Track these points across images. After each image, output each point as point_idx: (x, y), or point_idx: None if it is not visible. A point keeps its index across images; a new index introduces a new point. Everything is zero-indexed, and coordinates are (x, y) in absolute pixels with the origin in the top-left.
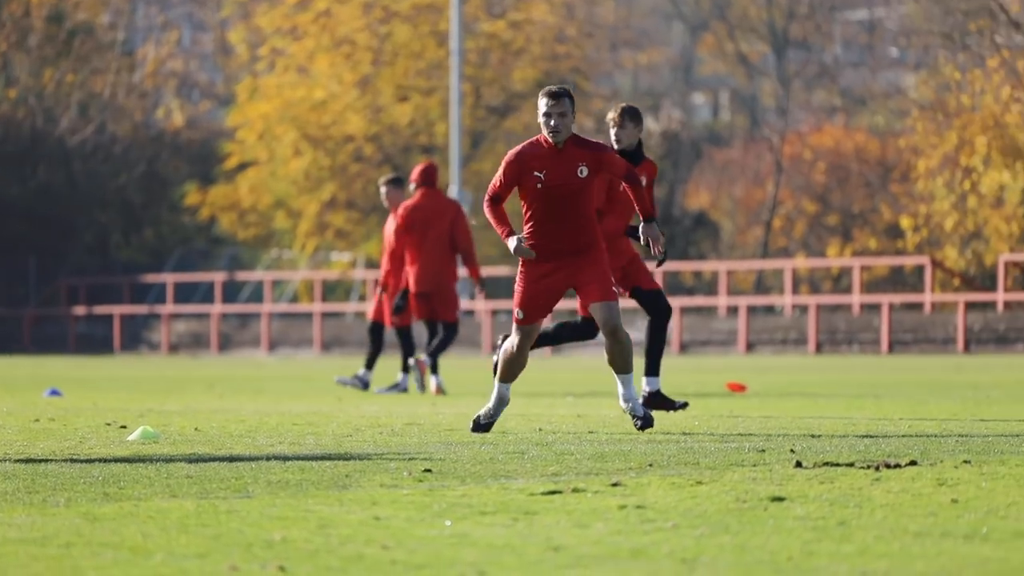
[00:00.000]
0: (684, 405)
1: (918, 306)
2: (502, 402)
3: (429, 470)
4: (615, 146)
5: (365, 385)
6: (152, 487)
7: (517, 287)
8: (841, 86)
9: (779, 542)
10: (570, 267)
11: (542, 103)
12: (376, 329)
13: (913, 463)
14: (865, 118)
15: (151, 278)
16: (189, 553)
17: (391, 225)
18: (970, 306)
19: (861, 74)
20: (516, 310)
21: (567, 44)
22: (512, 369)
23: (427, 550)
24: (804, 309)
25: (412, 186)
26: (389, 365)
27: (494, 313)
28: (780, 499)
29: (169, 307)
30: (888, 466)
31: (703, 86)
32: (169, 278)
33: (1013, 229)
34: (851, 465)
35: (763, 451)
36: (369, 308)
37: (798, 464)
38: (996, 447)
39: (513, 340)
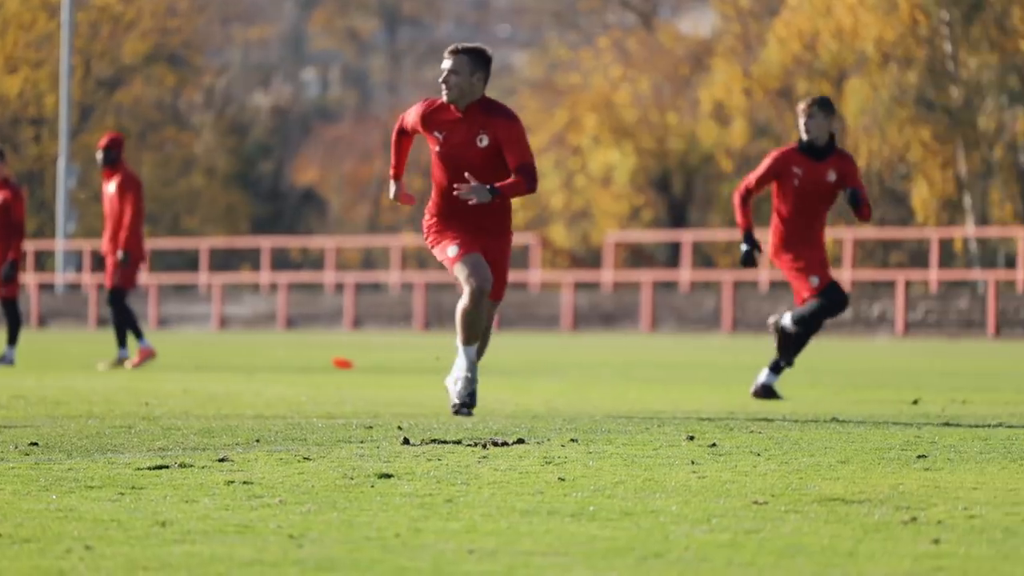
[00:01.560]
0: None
1: (524, 285)
2: (473, 365)
3: (35, 443)
4: (804, 137)
5: (10, 362)
6: None
7: (439, 236)
8: None
9: (387, 519)
10: (485, 237)
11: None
12: (10, 304)
13: (520, 441)
14: None
15: None
16: None
17: None
18: (578, 285)
19: None
20: (451, 247)
21: (178, 18)
22: (477, 330)
23: (33, 524)
24: (411, 287)
25: (102, 154)
26: None
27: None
28: (387, 476)
29: None
30: (495, 444)
31: (313, 61)
32: None
33: (621, 208)
34: (458, 443)
35: (370, 428)
36: None
37: (405, 441)
38: (603, 426)
39: (464, 298)
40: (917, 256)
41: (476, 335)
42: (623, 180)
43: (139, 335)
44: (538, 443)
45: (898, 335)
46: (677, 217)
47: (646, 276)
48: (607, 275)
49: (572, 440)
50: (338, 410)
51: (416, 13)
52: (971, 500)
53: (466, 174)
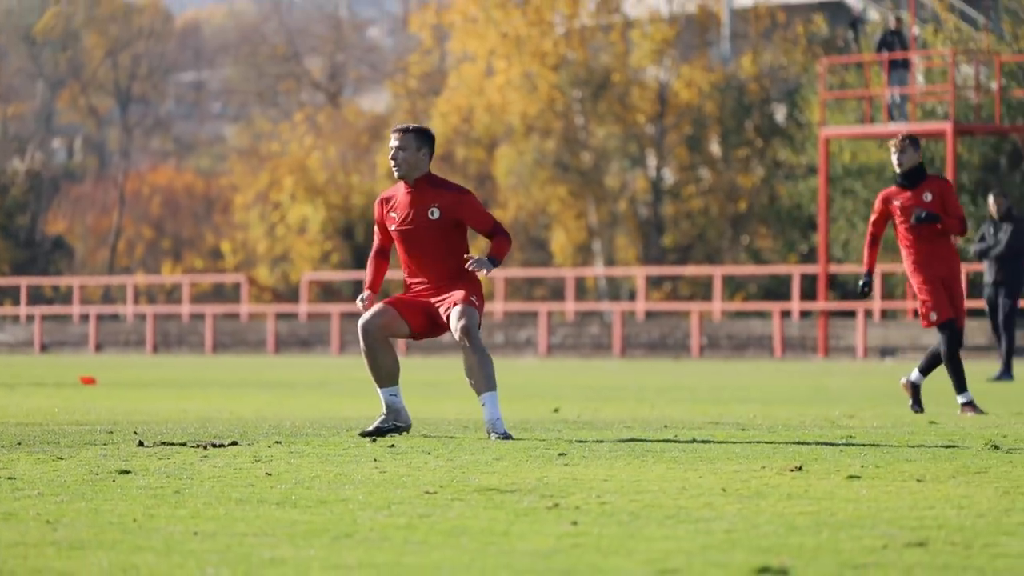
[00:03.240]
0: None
1: (236, 315)
2: (391, 409)
3: None
4: (897, 168)
5: None
6: None
7: None
8: (173, 135)
9: (126, 507)
10: (435, 293)
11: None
12: None
13: (235, 443)
14: (193, 161)
15: None
16: None
17: None
18: (279, 316)
19: (190, 125)
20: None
21: None
22: (377, 372)
23: None
24: (143, 317)
25: None
26: None
27: None
28: (126, 472)
29: None
30: (214, 445)
31: (61, 133)
32: None
33: (314, 252)
34: (184, 444)
35: (112, 432)
36: None
37: (140, 443)
38: (302, 430)
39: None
40: (556, 291)
41: (377, 378)
42: (315, 229)
43: None
44: (249, 445)
45: (541, 356)
46: (360, 259)
47: (335, 308)
48: (303, 308)
49: (277, 442)
50: (85, 418)
51: (144, 93)
52: (603, 489)
53: (408, 227)
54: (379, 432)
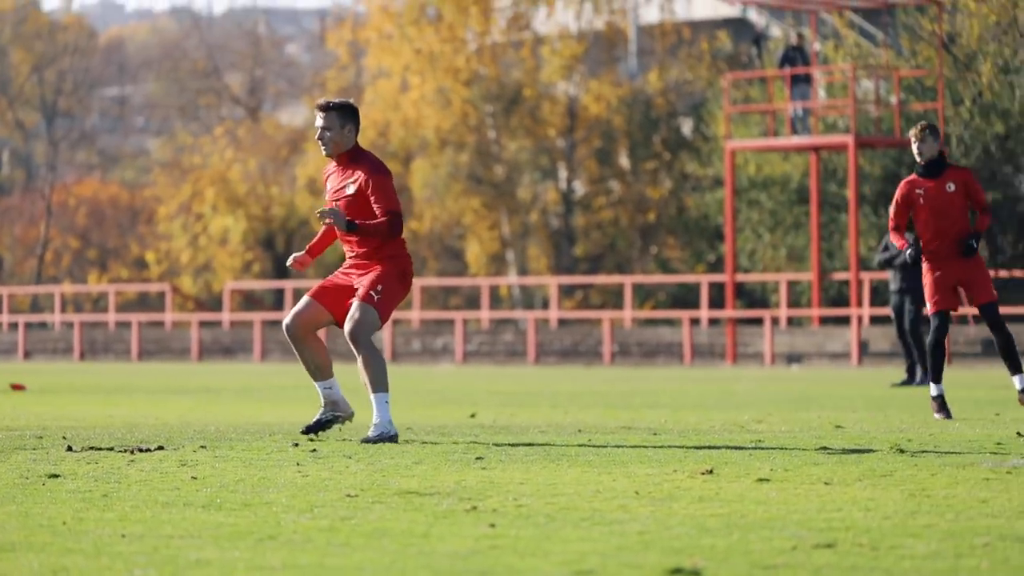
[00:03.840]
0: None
1: (161, 323)
2: (327, 402)
3: None
4: (917, 158)
5: None
6: None
7: None
8: (98, 148)
9: (55, 510)
10: (357, 269)
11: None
12: None
13: (161, 448)
14: (118, 173)
15: None
16: None
17: None
18: (203, 324)
19: (115, 138)
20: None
21: None
22: (308, 367)
23: None
24: (71, 325)
25: None
26: None
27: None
28: (56, 476)
29: None
30: (141, 450)
31: None
32: None
33: (236, 262)
34: (111, 449)
35: (41, 437)
36: None
37: (69, 448)
38: (226, 435)
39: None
40: (471, 300)
41: (310, 372)
42: (237, 240)
43: None
44: (175, 449)
45: (458, 363)
46: (280, 269)
47: (257, 316)
48: (226, 316)
49: (202, 447)
50: (15, 423)
51: (70, 108)
52: (519, 492)
53: (336, 202)
54: (320, 425)
